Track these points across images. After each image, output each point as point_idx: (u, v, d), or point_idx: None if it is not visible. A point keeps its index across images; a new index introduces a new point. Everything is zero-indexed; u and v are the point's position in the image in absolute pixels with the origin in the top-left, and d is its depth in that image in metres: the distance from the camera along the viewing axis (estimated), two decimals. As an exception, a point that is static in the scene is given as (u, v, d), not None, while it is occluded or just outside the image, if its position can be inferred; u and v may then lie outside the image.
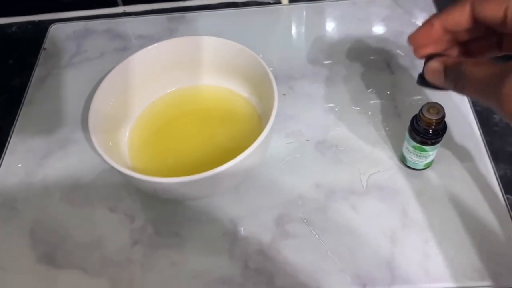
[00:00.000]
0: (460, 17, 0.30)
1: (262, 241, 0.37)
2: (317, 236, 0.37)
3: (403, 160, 0.40)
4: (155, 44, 0.42)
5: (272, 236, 0.37)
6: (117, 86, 0.41)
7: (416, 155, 0.38)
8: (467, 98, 0.44)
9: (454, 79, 0.30)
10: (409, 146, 0.38)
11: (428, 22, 0.32)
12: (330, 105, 0.45)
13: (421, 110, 0.35)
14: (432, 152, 0.38)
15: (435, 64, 0.31)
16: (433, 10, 0.53)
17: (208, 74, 0.45)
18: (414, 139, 0.37)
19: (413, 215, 0.38)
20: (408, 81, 0.46)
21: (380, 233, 0.37)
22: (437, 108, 0.35)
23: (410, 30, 0.49)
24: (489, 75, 0.27)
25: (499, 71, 0.26)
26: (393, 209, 0.38)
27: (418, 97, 0.45)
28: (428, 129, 0.35)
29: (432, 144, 0.37)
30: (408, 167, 0.40)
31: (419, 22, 0.52)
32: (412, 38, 0.33)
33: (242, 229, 0.38)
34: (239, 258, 0.36)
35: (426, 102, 0.35)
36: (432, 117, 0.35)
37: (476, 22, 0.30)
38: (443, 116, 0.35)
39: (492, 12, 0.29)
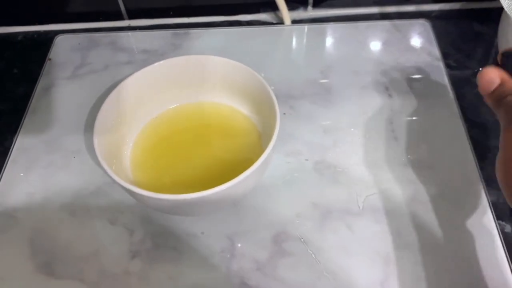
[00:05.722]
0: None
1: (259, 259, 0.38)
2: (313, 255, 0.38)
3: None
4: (160, 62, 0.43)
5: (269, 254, 0.38)
6: (121, 102, 0.42)
7: None
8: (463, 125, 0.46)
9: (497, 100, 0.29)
10: None
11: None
12: (329, 126, 0.46)
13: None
14: None
15: (493, 73, 0.29)
16: (430, 34, 0.54)
17: (210, 91, 0.46)
18: None
19: (407, 237, 0.38)
20: (406, 105, 0.47)
21: (374, 254, 0.38)
22: None
23: (408, 54, 0.52)
24: None
25: None
26: (387, 231, 0.39)
27: (416, 121, 0.46)
28: None
29: None
30: None
31: (418, 47, 0.53)
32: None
33: (239, 245, 0.39)
34: (236, 274, 0.37)
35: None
36: None
37: None
38: None
39: None
